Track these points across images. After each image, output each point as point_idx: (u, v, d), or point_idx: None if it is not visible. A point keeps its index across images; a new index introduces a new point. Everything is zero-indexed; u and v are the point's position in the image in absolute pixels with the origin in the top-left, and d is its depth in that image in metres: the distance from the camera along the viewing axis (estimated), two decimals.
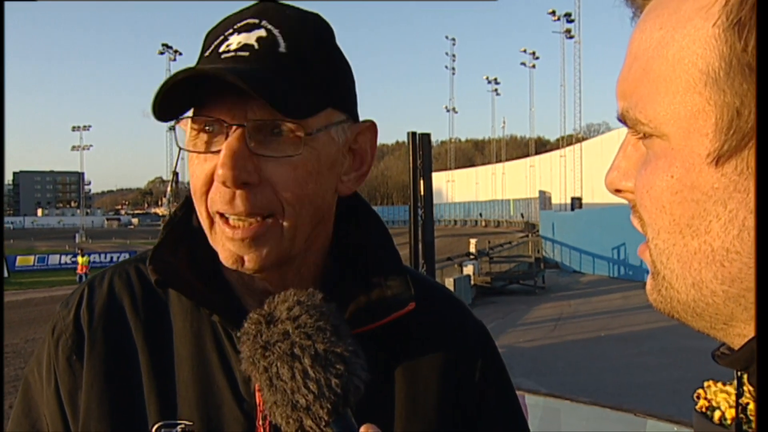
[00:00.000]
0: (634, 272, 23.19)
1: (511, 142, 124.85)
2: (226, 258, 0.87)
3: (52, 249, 47.46)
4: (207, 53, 0.87)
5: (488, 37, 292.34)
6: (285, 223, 0.86)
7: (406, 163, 12.51)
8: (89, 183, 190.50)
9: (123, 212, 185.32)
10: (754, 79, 0.43)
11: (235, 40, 0.85)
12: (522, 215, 66.36)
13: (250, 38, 0.85)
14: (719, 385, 0.58)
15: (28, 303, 21.64)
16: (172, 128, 0.88)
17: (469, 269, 21.49)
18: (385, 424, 0.91)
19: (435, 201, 13.93)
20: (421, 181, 10.92)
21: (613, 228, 24.63)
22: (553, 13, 66.11)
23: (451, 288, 16.47)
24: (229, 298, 0.94)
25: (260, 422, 0.88)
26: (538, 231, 39.15)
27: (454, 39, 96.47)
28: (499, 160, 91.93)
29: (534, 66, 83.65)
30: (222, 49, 0.85)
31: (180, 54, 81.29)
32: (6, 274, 29.91)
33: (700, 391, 0.59)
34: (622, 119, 0.53)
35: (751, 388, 0.53)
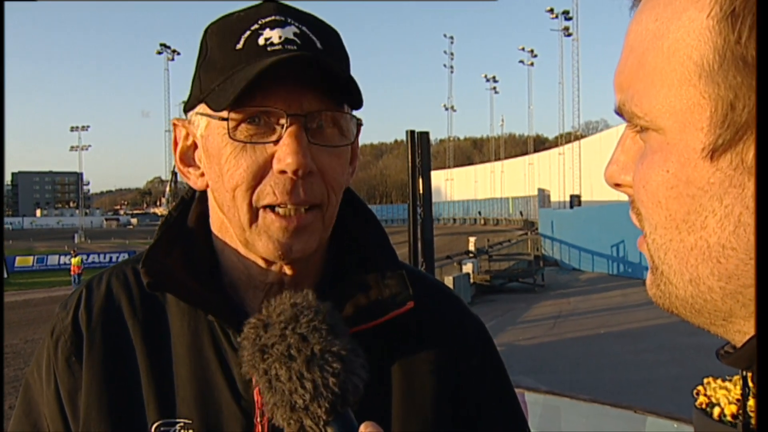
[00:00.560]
0: (633, 269, 23.20)
1: (510, 140, 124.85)
2: (273, 249, 0.87)
3: (51, 249, 47.43)
4: (239, 46, 0.86)
5: (487, 36, 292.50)
6: (327, 213, 0.89)
7: (404, 161, 12.52)
8: (88, 183, 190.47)
9: (122, 212, 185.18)
10: (748, 72, 0.42)
11: (274, 35, 0.86)
12: (521, 213, 66.40)
13: (288, 33, 0.86)
14: (719, 381, 0.58)
15: (27, 303, 21.63)
16: (234, 120, 0.85)
17: (468, 267, 21.49)
18: (383, 421, 0.91)
19: (434, 199, 13.94)
20: (420, 180, 10.92)
21: (612, 225, 24.63)
22: (552, 11, 66.11)
23: (451, 286, 16.42)
24: (225, 298, 0.95)
25: (258, 420, 0.88)
26: (537, 229, 39.15)
27: (452, 37, 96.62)
28: (497, 158, 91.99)
29: (532, 64, 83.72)
30: (261, 42, 0.85)
31: (178, 53, 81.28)
32: (5, 275, 29.88)
33: (700, 387, 0.59)
34: (620, 112, 0.52)
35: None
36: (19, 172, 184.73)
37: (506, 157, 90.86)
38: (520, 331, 14.38)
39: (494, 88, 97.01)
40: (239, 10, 0.91)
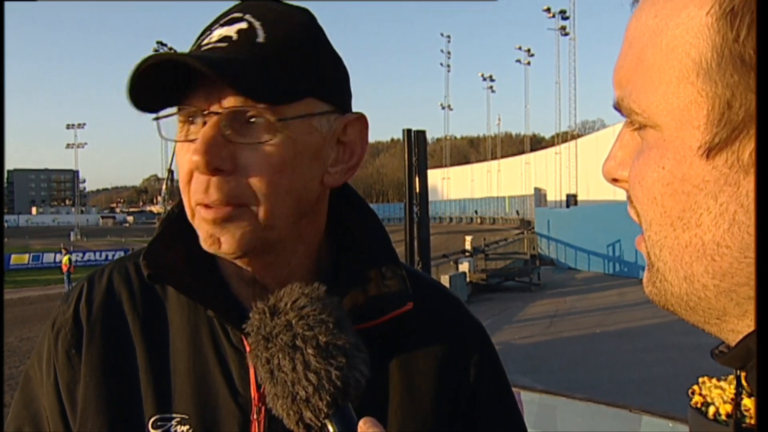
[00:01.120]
0: (629, 269, 23.25)
1: (507, 139, 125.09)
2: (204, 240, 0.87)
3: (46, 247, 47.36)
4: (192, 48, 0.89)
5: (484, 35, 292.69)
6: (260, 210, 0.85)
7: (401, 160, 12.52)
8: (84, 181, 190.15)
9: (118, 210, 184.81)
10: (746, 70, 0.42)
11: (216, 33, 0.86)
12: (517, 212, 66.47)
13: (231, 30, 0.86)
14: (714, 381, 0.58)
15: (23, 301, 21.59)
16: (156, 119, 0.88)
17: (464, 266, 21.53)
18: (382, 420, 0.91)
19: (430, 198, 13.96)
20: (417, 179, 10.93)
21: (608, 225, 24.68)
22: (548, 10, 66.15)
23: (447, 285, 16.49)
24: (225, 294, 0.95)
25: (255, 416, 0.88)
26: (533, 228, 39.21)
27: (449, 36, 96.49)
28: (494, 157, 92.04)
29: (529, 63, 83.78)
30: (204, 42, 0.86)
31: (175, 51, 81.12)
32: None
33: (695, 387, 0.59)
34: (618, 108, 0.52)
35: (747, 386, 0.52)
36: (15, 170, 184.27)
37: (503, 156, 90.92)
38: (516, 330, 14.41)
39: (491, 87, 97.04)
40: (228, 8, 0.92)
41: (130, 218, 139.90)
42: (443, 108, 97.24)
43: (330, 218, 0.98)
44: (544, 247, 32.26)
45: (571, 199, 40.11)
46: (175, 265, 0.93)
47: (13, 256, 38.59)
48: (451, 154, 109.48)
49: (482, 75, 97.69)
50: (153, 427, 0.89)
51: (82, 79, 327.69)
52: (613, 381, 9.79)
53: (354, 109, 0.95)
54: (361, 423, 0.71)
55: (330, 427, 0.72)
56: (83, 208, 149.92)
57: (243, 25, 0.86)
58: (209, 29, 0.89)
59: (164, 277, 0.92)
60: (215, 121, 0.83)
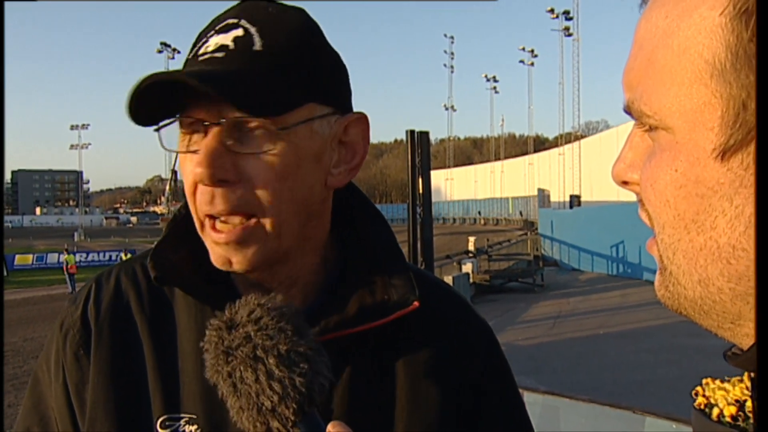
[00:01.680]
0: (632, 270, 23.19)
1: (510, 140, 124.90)
2: (215, 260, 0.88)
3: (50, 248, 47.42)
4: (189, 56, 0.88)
5: (487, 35, 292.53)
6: (268, 221, 0.86)
7: (404, 161, 12.52)
8: (88, 182, 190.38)
9: (122, 211, 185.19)
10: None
11: (213, 42, 0.86)
12: (521, 213, 66.38)
13: (227, 38, 0.85)
14: (717, 382, 0.58)
15: (27, 302, 21.62)
16: (158, 130, 0.88)
17: (467, 267, 21.49)
18: (387, 420, 0.91)
19: (434, 199, 13.95)
20: (420, 180, 10.93)
21: (611, 226, 24.63)
22: (552, 11, 66.09)
23: None
24: (232, 295, 0.95)
25: None
26: (536, 229, 39.13)
27: (452, 37, 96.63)
28: (497, 158, 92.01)
29: (533, 64, 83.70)
30: (201, 51, 0.86)
31: (178, 52, 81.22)
32: (5, 273, 29.88)
33: (699, 388, 0.58)
34: (628, 111, 0.52)
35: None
36: (19, 171, 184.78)
37: (506, 157, 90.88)
38: (519, 331, 14.39)
39: (494, 87, 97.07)
40: (222, 12, 0.91)
41: (133, 219, 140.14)
42: (446, 109, 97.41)
43: (336, 218, 0.98)
44: (548, 248, 32.22)
45: (575, 200, 40.02)
46: (182, 267, 0.94)
47: (17, 256, 38.68)
48: (455, 154, 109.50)
49: (485, 76, 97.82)
50: (161, 427, 0.90)
51: (86, 79, 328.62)
52: (616, 382, 9.77)
53: (357, 110, 0.95)
54: (329, 427, 0.71)
55: None
56: (87, 209, 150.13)
57: (239, 32, 0.86)
58: (204, 36, 0.88)
59: (171, 278, 0.93)
60: (217, 132, 0.83)
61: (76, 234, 74.51)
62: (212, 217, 0.86)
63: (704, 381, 0.59)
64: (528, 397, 4.74)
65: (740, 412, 0.53)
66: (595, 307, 17.78)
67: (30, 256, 39.59)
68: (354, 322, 0.91)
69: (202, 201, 0.85)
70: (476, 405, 0.97)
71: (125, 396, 0.92)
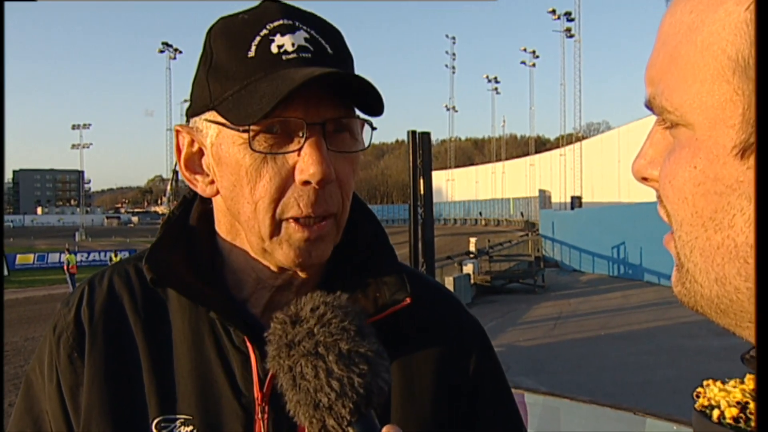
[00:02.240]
0: (633, 271, 23.17)
1: (511, 141, 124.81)
2: (294, 257, 0.87)
3: (51, 247, 47.44)
4: (251, 54, 0.84)
5: (488, 36, 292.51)
6: (341, 220, 0.90)
7: (406, 161, 12.51)
8: (89, 181, 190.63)
9: (123, 210, 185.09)
10: None
11: (286, 42, 0.84)
12: (522, 214, 66.35)
13: (299, 39, 0.85)
14: (719, 384, 0.58)
15: (28, 301, 21.67)
16: (254, 133, 0.83)
17: (468, 268, 21.47)
18: (382, 420, 0.91)
19: (435, 200, 13.94)
20: (421, 180, 10.92)
21: (612, 227, 24.62)
22: (554, 12, 66.05)
23: (451, 287, 16.47)
24: (228, 296, 0.95)
25: (259, 415, 0.89)
26: (537, 230, 39.09)
27: (454, 38, 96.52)
28: (499, 159, 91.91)
29: (534, 65, 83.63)
30: (274, 50, 0.84)
31: (180, 52, 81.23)
32: (6, 273, 29.90)
33: (700, 390, 0.58)
34: (649, 106, 0.51)
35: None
36: (20, 170, 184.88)
37: (507, 158, 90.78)
38: (520, 332, 14.38)
39: (496, 88, 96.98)
40: (243, 11, 0.89)
41: (134, 219, 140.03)
42: (448, 109, 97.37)
43: None
44: (549, 249, 32.18)
45: (576, 201, 40.01)
46: (177, 269, 0.93)
47: (18, 256, 38.68)
48: (456, 155, 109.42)
49: (487, 77, 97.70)
50: (157, 429, 0.90)
51: (87, 79, 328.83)
52: (617, 383, 9.76)
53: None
54: (384, 429, 0.71)
55: None
56: (88, 209, 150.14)
57: (304, 34, 0.86)
58: (258, 35, 0.85)
59: (167, 280, 0.93)
60: (321, 132, 0.83)
61: (77, 234, 74.51)
62: (301, 224, 0.85)
63: (705, 382, 0.58)
64: (529, 398, 4.74)
65: (741, 414, 0.53)
66: (596, 309, 17.76)
67: (31, 256, 39.59)
68: None
69: (305, 203, 0.84)
70: (469, 405, 0.98)
71: (120, 398, 0.91)
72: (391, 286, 0.94)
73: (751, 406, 0.52)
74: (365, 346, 0.73)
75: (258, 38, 0.85)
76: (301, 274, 0.93)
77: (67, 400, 0.93)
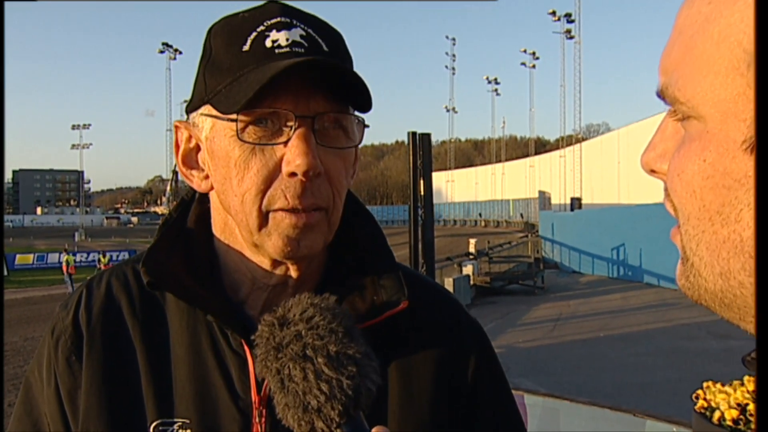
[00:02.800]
0: (633, 273, 23.16)
1: (511, 142, 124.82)
2: (282, 246, 0.87)
3: (51, 247, 47.41)
4: (245, 48, 0.86)
5: (488, 37, 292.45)
6: (332, 216, 0.89)
7: (405, 162, 12.52)
8: (89, 181, 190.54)
9: (122, 211, 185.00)
10: None
11: (281, 37, 0.85)
12: (521, 215, 66.40)
13: (294, 35, 0.86)
14: (718, 385, 0.58)
15: (28, 301, 21.67)
16: (244, 123, 0.84)
17: (468, 269, 21.46)
18: (380, 422, 0.91)
19: (435, 201, 13.93)
20: (421, 181, 10.92)
21: (612, 228, 24.62)
22: (554, 13, 66.06)
23: (451, 288, 16.47)
24: (225, 298, 0.95)
25: (256, 419, 0.89)
26: (537, 231, 39.09)
27: (454, 39, 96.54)
28: (498, 160, 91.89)
29: (534, 66, 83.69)
30: (268, 44, 0.85)
31: (180, 53, 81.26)
32: (5, 273, 29.90)
33: (699, 391, 0.58)
34: (662, 96, 0.51)
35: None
36: (20, 170, 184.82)
37: (507, 159, 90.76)
38: (519, 334, 14.37)
39: (496, 90, 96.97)
40: (243, 11, 0.90)
41: (134, 219, 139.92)
42: (448, 111, 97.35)
43: None
44: (548, 250, 32.19)
45: (576, 203, 40.00)
46: (175, 272, 0.93)
47: (17, 256, 38.67)
48: (456, 156, 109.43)
49: (487, 78, 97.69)
50: None
51: (87, 79, 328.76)
52: (616, 385, 9.76)
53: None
54: (373, 431, 0.71)
55: None
56: (88, 209, 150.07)
57: (300, 31, 0.86)
58: (254, 31, 0.86)
59: (164, 283, 0.93)
60: (310, 125, 0.84)
61: (76, 234, 74.45)
62: (291, 212, 0.85)
63: (705, 384, 0.58)
64: (528, 400, 4.74)
65: (741, 416, 0.53)
66: (596, 310, 17.76)
67: (30, 256, 39.58)
68: None
69: (291, 194, 0.84)
70: (469, 406, 0.98)
71: (118, 401, 0.91)
72: (389, 289, 0.94)
73: (751, 407, 0.52)
74: (353, 347, 0.73)
75: (254, 33, 0.86)
76: (293, 271, 0.93)
77: (65, 403, 0.93)
